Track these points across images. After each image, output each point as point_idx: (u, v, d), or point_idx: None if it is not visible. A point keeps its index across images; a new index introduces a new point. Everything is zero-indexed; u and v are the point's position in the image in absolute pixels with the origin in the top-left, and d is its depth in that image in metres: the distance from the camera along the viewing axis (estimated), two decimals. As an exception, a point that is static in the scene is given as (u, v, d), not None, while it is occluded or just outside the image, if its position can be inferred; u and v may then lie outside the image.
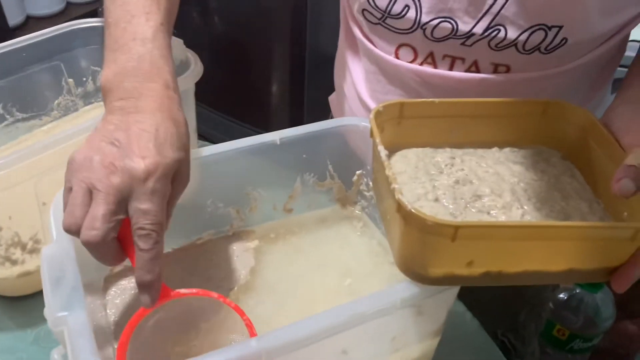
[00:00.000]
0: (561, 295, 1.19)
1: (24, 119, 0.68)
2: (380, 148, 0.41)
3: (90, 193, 0.36)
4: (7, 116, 0.66)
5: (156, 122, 0.38)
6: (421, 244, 0.37)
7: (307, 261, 0.53)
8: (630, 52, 0.55)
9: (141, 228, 0.35)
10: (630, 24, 0.51)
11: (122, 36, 0.42)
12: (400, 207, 0.36)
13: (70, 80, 0.70)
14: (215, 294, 0.42)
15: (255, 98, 1.58)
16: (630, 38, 0.55)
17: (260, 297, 0.50)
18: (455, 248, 0.36)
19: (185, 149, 0.39)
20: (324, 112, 0.75)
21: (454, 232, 0.35)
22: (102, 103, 0.76)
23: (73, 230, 0.36)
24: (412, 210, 0.35)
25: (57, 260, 0.38)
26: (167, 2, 0.45)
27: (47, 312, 0.37)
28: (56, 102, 0.70)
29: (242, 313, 0.42)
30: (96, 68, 0.71)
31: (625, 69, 0.50)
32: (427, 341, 0.47)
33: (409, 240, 0.38)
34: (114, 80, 0.40)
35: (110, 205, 0.35)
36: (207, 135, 1.44)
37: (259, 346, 0.34)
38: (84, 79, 0.71)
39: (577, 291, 1.18)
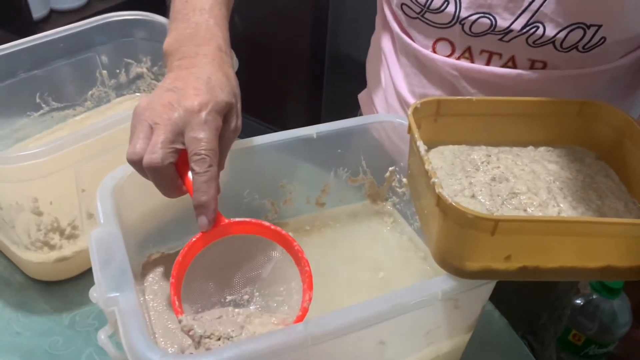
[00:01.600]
0: (578, 301, 1.19)
1: (58, 109, 0.69)
2: (420, 143, 0.42)
3: (151, 129, 0.40)
4: (44, 105, 0.68)
5: (208, 72, 0.43)
6: (460, 238, 0.38)
7: (340, 254, 0.54)
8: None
9: (196, 154, 0.39)
10: None
11: (184, 7, 0.48)
12: (440, 201, 0.37)
13: (104, 72, 0.71)
14: (269, 224, 0.44)
15: (274, 97, 1.59)
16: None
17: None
18: (494, 242, 0.36)
19: (235, 96, 0.44)
20: (343, 112, 0.76)
21: (494, 226, 0.35)
22: (133, 95, 0.78)
23: (135, 159, 0.40)
24: (453, 204, 0.36)
25: (105, 243, 0.39)
26: None
27: (96, 292, 0.39)
28: (90, 92, 0.71)
29: (301, 253, 0.43)
30: (129, 60, 0.72)
31: None
32: (459, 336, 0.47)
33: (448, 233, 0.38)
34: (174, 44, 0.46)
35: (168, 134, 0.40)
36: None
37: (306, 331, 0.34)
38: (117, 70, 0.72)
39: (594, 297, 1.18)
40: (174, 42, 0.46)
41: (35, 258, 0.54)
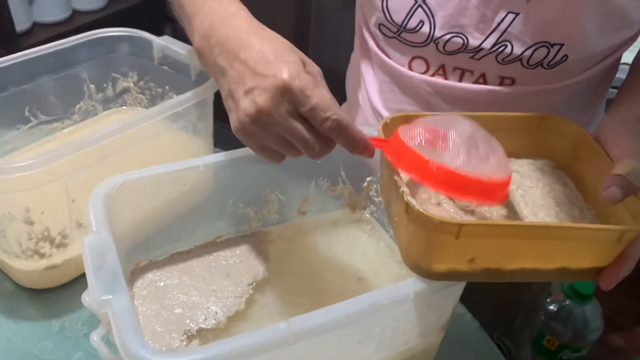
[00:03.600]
0: (551, 307, 1.23)
1: (47, 122, 0.71)
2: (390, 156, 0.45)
3: (281, 137, 0.41)
4: (32, 118, 0.69)
5: (262, 37, 0.43)
6: (427, 242, 0.41)
7: (320, 260, 0.57)
8: (621, 75, 0.61)
9: (324, 119, 0.40)
10: (624, 45, 0.56)
11: (195, 5, 0.47)
12: (408, 208, 0.40)
13: (92, 86, 0.73)
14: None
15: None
16: (622, 61, 0.60)
17: (277, 292, 0.53)
18: (458, 245, 0.40)
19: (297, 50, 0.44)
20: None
21: (458, 230, 0.39)
22: (120, 108, 0.80)
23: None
24: (420, 210, 0.39)
25: (98, 249, 0.42)
26: None
27: (89, 296, 0.41)
28: (77, 106, 0.73)
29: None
30: (116, 75, 0.74)
31: (617, 90, 0.56)
32: (432, 335, 0.50)
33: (416, 238, 0.41)
34: (201, 43, 0.45)
35: (293, 123, 0.41)
36: (216, 145, 1.47)
37: (288, 328, 0.37)
38: (104, 85, 0.74)
39: (567, 303, 1.22)
40: (201, 41, 0.45)
41: (25, 266, 0.56)
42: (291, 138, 0.42)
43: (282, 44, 0.43)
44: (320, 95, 0.40)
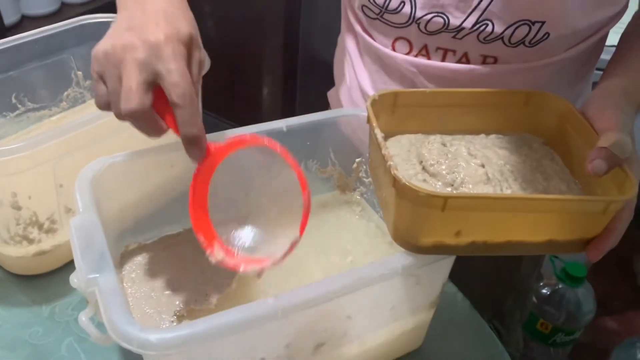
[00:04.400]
0: (544, 291, 1.24)
1: (34, 109, 0.70)
2: (377, 131, 0.46)
3: (118, 73, 0.38)
4: (19, 106, 0.69)
5: (165, 6, 0.41)
6: (413, 215, 0.41)
7: (312, 241, 0.57)
8: (606, 56, 0.61)
9: (175, 86, 0.38)
10: (607, 24, 0.56)
11: None
12: (395, 182, 0.40)
13: (80, 72, 0.73)
14: (258, 136, 0.43)
15: (248, 100, 1.61)
16: (607, 43, 0.60)
17: (267, 274, 0.53)
18: (445, 218, 0.40)
19: (194, 28, 0.42)
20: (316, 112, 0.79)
21: (444, 202, 0.39)
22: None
23: (103, 103, 0.39)
24: (407, 184, 0.39)
25: (85, 229, 0.42)
26: None
27: (76, 275, 0.41)
28: (65, 93, 0.73)
29: (295, 165, 0.43)
30: (104, 62, 0.74)
31: (601, 72, 0.56)
32: (422, 313, 0.51)
33: (403, 212, 0.41)
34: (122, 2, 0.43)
35: (139, 76, 0.38)
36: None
37: (275, 304, 0.37)
38: (92, 72, 0.74)
39: (560, 286, 1.24)
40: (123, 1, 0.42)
41: (14, 252, 0.56)
42: (126, 79, 0.38)
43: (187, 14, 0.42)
44: (181, 65, 0.39)
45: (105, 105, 0.40)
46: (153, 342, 0.34)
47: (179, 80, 0.38)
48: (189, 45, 0.41)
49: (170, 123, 0.40)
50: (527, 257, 0.76)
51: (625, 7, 0.56)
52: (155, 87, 0.39)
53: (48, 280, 0.58)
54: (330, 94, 0.77)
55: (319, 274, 0.54)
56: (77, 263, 0.40)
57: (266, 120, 0.55)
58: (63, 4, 1.57)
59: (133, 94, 0.38)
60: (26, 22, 1.50)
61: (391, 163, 0.41)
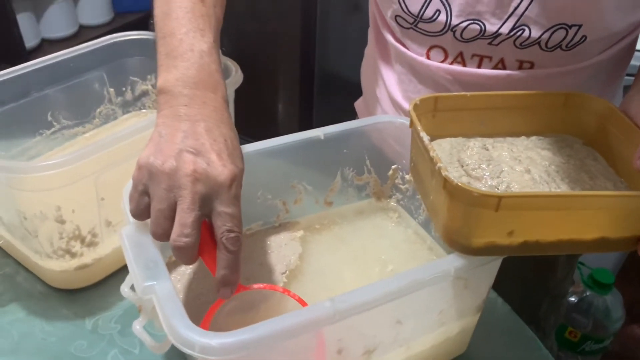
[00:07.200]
0: (572, 298, 1.22)
1: (69, 127, 0.71)
2: (423, 134, 0.46)
3: (174, 199, 0.38)
4: (55, 123, 0.70)
5: (223, 133, 0.41)
6: (466, 216, 0.41)
7: (349, 250, 0.57)
8: (635, 62, 0.61)
9: (230, 230, 0.38)
10: None
11: (180, 46, 0.44)
12: (446, 183, 0.40)
13: (112, 89, 0.74)
14: (280, 288, 0.46)
15: (265, 115, 1.63)
16: (638, 48, 0.60)
17: (310, 281, 0.53)
18: (498, 218, 0.40)
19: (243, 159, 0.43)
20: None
21: (498, 202, 0.39)
22: (139, 112, 0.81)
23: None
24: (459, 184, 0.39)
25: (137, 238, 0.42)
26: (217, 22, 0.48)
27: (128, 284, 0.41)
28: (98, 110, 0.74)
29: (304, 304, 0.45)
30: (135, 78, 0.75)
31: (632, 78, 0.56)
32: (468, 317, 0.50)
33: (455, 213, 0.41)
34: (176, 85, 0.42)
35: (197, 212, 0.37)
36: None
37: (332, 307, 0.37)
38: (123, 88, 0.75)
39: (587, 294, 1.22)
40: (176, 82, 0.42)
41: (57, 266, 0.56)
42: (182, 212, 0.38)
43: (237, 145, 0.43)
44: (239, 210, 0.39)
45: (142, 217, 0.39)
46: (215, 346, 0.34)
47: (234, 226, 0.38)
48: (240, 182, 0.40)
49: (209, 259, 0.40)
50: (562, 260, 0.75)
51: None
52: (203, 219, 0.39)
53: (89, 293, 0.58)
54: (358, 104, 0.77)
55: (360, 283, 0.54)
56: (132, 271, 0.40)
57: (283, 134, 0.54)
58: (81, 27, 1.61)
59: (188, 230, 0.37)
60: (46, 45, 1.54)
61: (441, 165, 0.41)
